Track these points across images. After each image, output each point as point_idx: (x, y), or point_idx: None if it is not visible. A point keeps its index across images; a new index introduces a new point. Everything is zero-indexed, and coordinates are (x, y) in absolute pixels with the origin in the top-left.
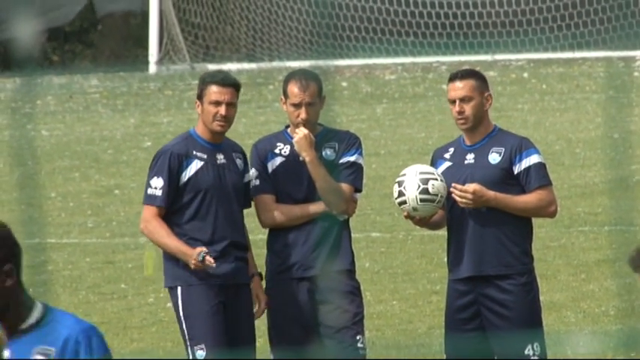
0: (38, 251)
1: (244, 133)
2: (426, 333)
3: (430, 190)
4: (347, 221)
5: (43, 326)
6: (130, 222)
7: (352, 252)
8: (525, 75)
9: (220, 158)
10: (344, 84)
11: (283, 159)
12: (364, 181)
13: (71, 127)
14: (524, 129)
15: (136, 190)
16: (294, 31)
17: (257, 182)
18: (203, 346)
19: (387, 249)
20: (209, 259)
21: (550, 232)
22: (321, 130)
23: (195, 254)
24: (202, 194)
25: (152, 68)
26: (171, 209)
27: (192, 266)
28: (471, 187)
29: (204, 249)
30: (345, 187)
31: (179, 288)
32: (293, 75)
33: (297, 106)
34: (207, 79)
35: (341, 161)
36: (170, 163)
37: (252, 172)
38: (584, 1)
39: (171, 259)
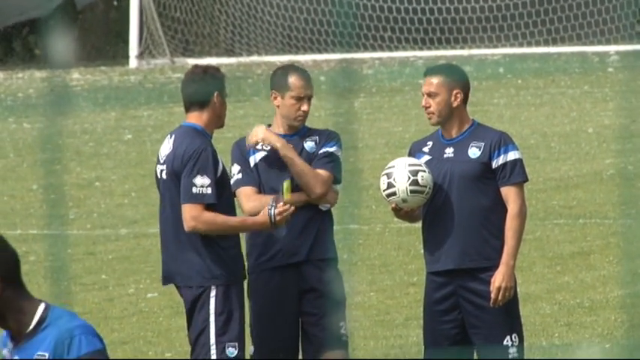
0: (20, 242)
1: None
2: (403, 324)
3: (420, 181)
4: (330, 212)
5: (42, 330)
6: (110, 214)
7: (334, 242)
8: (501, 70)
9: None
10: (322, 78)
11: (265, 153)
12: (342, 174)
13: (52, 120)
14: (500, 123)
15: (117, 182)
16: (272, 26)
17: (239, 176)
18: (236, 344)
19: (365, 241)
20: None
21: (525, 225)
22: (304, 126)
23: (266, 213)
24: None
25: (132, 62)
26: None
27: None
28: (496, 286)
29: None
30: (322, 172)
31: (214, 287)
32: (292, 68)
33: (299, 99)
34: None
35: (320, 152)
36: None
37: (234, 167)
38: None
39: (203, 258)
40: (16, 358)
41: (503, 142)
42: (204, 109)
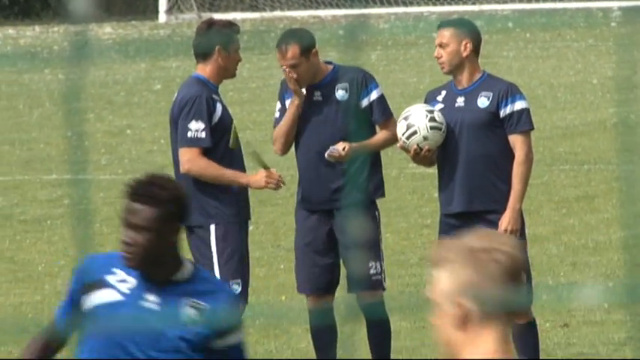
0: (55, 187)
1: (248, 77)
2: (418, 263)
3: (437, 118)
4: (366, 157)
5: (194, 282)
6: (141, 159)
7: (379, 180)
8: (510, 24)
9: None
10: (341, 32)
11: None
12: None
13: (86, 72)
14: (509, 75)
15: (147, 130)
16: None
17: (276, 115)
18: (239, 281)
19: None
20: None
21: (533, 171)
22: (331, 69)
23: (264, 175)
24: None
25: (162, 17)
26: None
27: (265, 185)
28: (502, 228)
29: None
30: (392, 121)
31: (212, 226)
32: (278, 41)
33: (283, 68)
34: None
35: (365, 104)
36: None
37: (277, 105)
38: None
39: (201, 197)
40: (153, 296)
41: (510, 92)
42: (207, 61)
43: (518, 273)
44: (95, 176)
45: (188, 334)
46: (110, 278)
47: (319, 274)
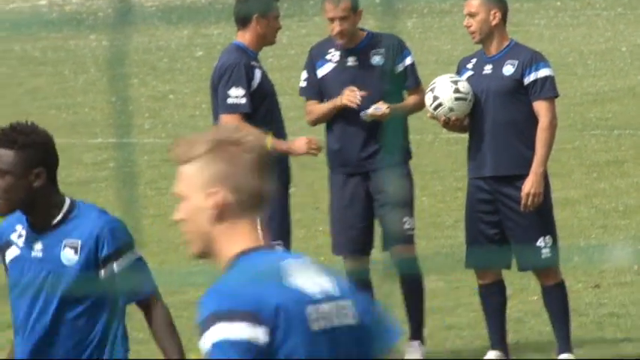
0: (101, 150)
1: (287, 44)
2: (453, 226)
3: (461, 89)
4: (400, 119)
5: (70, 221)
6: (183, 124)
7: (408, 143)
8: None
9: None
10: (377, 0)
11: (334, 65)
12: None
13: (130, 38)
14: (540, 42)
15: (189, 95)
16: None
17: (303, 84)
18: (280, 242)
19: (417, 149)
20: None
21: (565, 136)
22: (365, 35)
23: (305, 142)
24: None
25: None
26: None
27: (305, 152)
28: (525, 192)
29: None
30: (421, 88)
31: None
32: None
33: (331, 20)
34: None
35: (400, 70)
36: None
37: (302, 74)
38: None
39: None
40: (39, 244)
41: (535, 59)
42: (246, 28)
43: (267, 163)
44: (139, 140)
45: (73, 272)
46: (13, 236)
47: (356, 235)
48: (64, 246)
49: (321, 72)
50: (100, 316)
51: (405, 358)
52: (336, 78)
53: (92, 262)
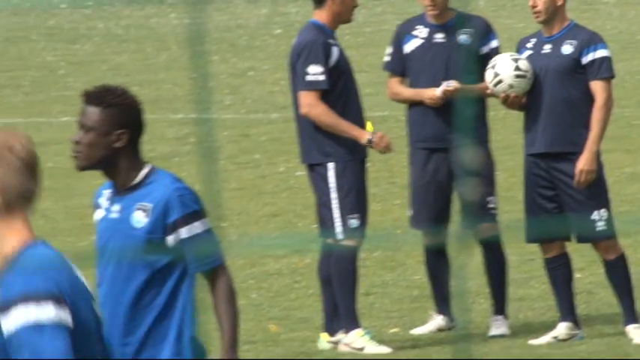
0: (182, 125)
1: (363, 22)
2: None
3: (521, 67)
4: (482, 98)
5: (146, 185)
6: (262, 100)
7: (488, 122)
8: None
9: None
10: None
11: (420, 41)
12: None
13: (211, 16)
14: (610, 20)
15: (268, 71)
16: None
17: (387, 59)
18: (357, 215)
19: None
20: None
21: (634, 112)
22: (454, 15)
23: (368, 134)
24: None
25: None
26: None
27: (368, 143)
28: (579, 169)
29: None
30: None
31: (330, 164)
32: None
33: None
34: None
35: (484, 51)
36: None
37: (387, 49)
38: None
39: (320, 137)
40: (117, 205)
41: (593, 40)
42: (322, 6)
43: (36, 165)
44: (219, 115)
45: (141, 235)
46: (100, 200)
47: (435, 211)
48: (136, 209)
49: (408, 47)
50: (168, 282)
51: (492, 332)
52: (423, 53)
53: (160, 226)
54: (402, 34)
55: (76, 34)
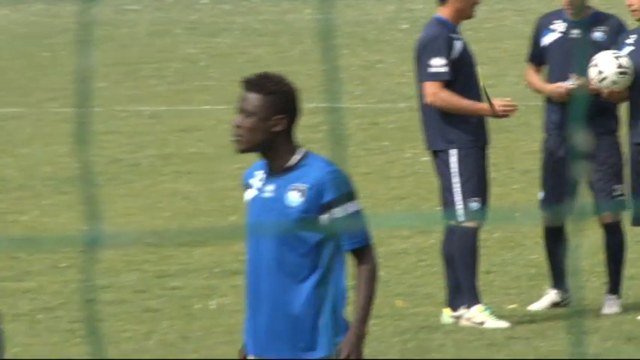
0: (314, 114)
1: (484, 19)
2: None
3: (624, 64)
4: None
5: (301, 167)
6: (390, 90)
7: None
8: None
9: None
10: None
11: (558, 35)
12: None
13: (342, 12)
14: None
15: (395, 64)
16: None
17: (532, 49)
18: (478, 199)
19: None
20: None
21: None
22: (591, 13)
23: (501, 104)
24: None
25: None
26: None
27: (501, 114)
28: None
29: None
30: None
31: (453, 150)
32: None
33: None
34: None
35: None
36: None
37: (531, 41)
38: None
39: (443, 125)
40: (271, 186)
41: None
42: (445, 3)
43: None
44: (350, 105)
45: (296, 213)
46: (252, 180)
47: (563, 193)
48: (291, 189)
49: (546, 40)
50: (321, 259)
51: (604, 310)
52: (559, 46)
53: (314, 206)
54: (541, 27)
55: (216, 28)
